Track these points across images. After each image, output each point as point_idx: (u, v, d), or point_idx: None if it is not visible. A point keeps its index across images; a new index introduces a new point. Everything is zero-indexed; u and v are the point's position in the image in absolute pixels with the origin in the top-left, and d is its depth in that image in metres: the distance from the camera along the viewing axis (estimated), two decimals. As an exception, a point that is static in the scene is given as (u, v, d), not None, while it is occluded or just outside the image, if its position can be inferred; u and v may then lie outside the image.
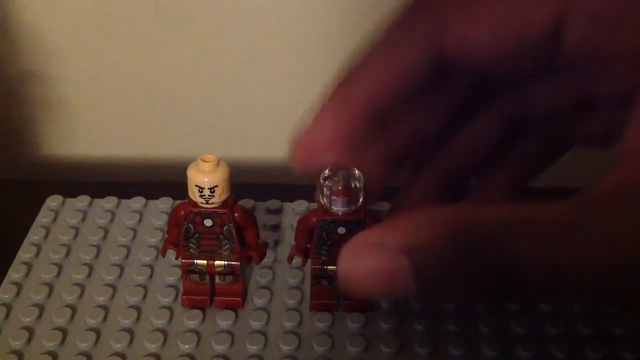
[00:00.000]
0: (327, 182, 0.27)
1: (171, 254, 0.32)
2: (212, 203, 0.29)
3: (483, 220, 0.17)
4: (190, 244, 0.30)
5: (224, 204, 0.29)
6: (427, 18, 0.22)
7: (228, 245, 0.30)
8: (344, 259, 0.18)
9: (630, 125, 0.19)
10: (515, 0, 0.21)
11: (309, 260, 0.31)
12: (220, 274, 0.31)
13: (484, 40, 0.21)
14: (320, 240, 0.29)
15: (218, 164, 0.28)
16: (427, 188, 0.26)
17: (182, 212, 0.30)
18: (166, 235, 0.32)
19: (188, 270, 0.31)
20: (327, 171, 0.26)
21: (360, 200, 0.27)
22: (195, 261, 0.31)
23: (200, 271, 0.31)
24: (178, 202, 0.38)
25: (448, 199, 0.26)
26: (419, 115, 0.24)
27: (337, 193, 0.27)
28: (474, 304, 0.32)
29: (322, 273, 0.31)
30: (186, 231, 0.30)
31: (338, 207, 0.28)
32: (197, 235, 0.30)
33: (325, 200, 0.27)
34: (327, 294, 0.31)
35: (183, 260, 0.31)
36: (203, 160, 0.28)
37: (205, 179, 0.28)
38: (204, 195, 0.29)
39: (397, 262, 0.17)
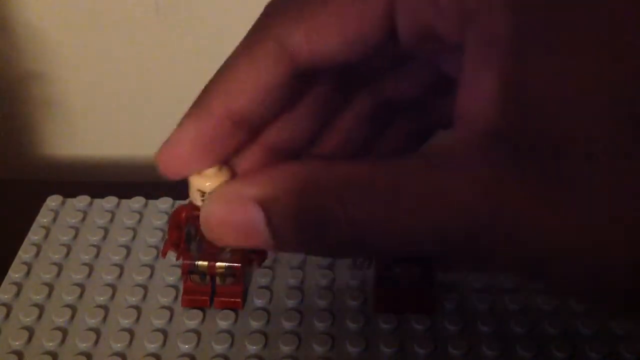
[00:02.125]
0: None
1: (172, 254, 0.32)
2: (214, 205, 0.29)
3: (327, 179, 0.18)
4: (192, 247, 0.30)
5: (225, 206, 0.29)
6: (275, 24, 0.21)
7: (229, 248, 0.30)
8: (204, 211, 0.20)
9: (462, 86, 0.18)
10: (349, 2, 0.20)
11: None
12: (221, 275, 0.31)
13: (328, 40, 0.21)
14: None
15: (220, 168, 0.28)
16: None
17: (184, 214, 0.30)
18: (166, 236, 0.32)
19: (189, 271, 0.31)
20: None
21: None
22: (196, 262, 0.31)
23: (201, 272, 0.31)
24: (178, 202, 0.38)
25: None
26: (291, 114, 0.24)
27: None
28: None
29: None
30: (187, 234, 0.30)
31: None
32: (198, 238, 0.30)
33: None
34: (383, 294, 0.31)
35: (184, 262, 0.31)
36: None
37: (207, 184, 0.28)
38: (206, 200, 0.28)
39: (252, 214, 0.19)
